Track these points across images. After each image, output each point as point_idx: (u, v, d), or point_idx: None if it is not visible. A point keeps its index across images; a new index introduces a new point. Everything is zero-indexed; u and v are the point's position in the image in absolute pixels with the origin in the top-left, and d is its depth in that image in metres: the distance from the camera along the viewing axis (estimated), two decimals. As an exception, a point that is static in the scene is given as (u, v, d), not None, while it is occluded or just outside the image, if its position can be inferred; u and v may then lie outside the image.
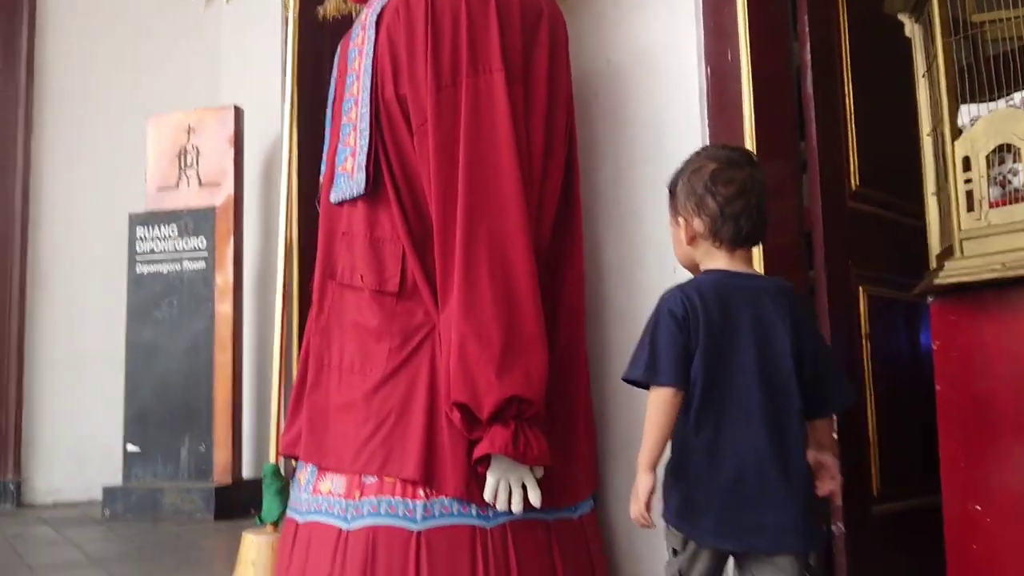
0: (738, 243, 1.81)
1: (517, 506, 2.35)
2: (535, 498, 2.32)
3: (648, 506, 1.74)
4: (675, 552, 1.77)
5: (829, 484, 1.85)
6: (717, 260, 1.82)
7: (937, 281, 2.41)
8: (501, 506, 2.35)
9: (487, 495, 2.35)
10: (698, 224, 1.82)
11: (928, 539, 2.69)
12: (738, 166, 1.82)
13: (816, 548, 1.75)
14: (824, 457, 1.86)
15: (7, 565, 3.76)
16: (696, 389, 1.72)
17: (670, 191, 1.90)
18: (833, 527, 2.64)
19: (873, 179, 2.92)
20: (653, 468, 1.73)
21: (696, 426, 1.72)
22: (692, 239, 1.84)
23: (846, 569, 2.60)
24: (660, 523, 1.80)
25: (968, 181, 2.38)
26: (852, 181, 2.86)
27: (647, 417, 1.73)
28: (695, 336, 1.71)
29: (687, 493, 1.73)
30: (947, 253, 2.43)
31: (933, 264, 2.49)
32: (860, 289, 2.82)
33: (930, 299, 2.54)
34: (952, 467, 2.45)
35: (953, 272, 2.38)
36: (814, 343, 1.81)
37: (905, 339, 3.03)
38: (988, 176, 2.35)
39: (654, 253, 2.80)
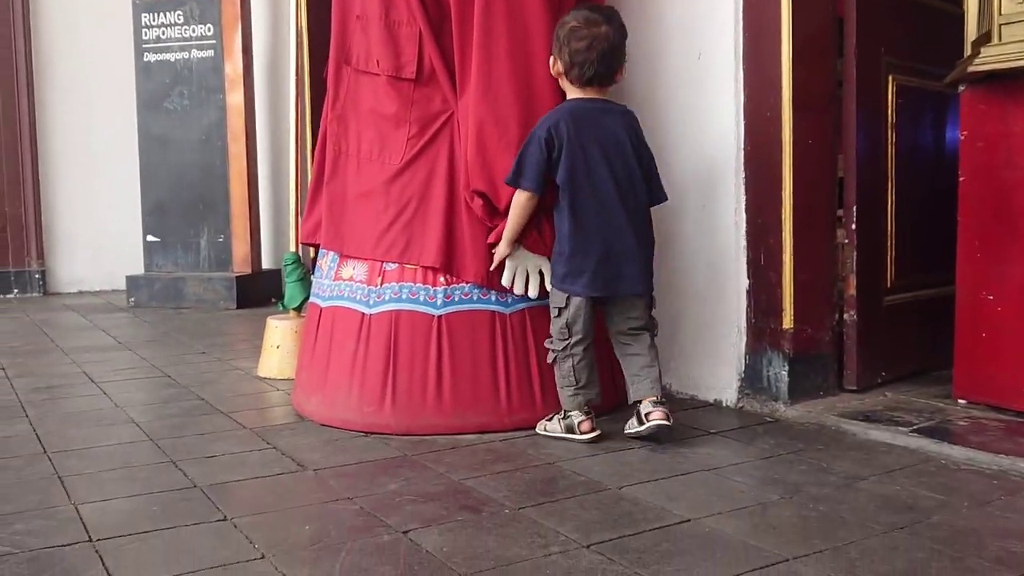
0: (584, 83, 2.32)
1: (533, 291, 2.41)
2: (551, 284, 2.36)
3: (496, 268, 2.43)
4: (559, 311, 2.32)
5: None
6: (573, 92, 2.35)
7: (971, 68, 2.35)
8: (518, 291, 2.41)
9: (504, 281, 2.41)
10: (559, 65, 2.34)
11: (937, 329, 2.76)
12: (594, 24, 2.29)
13: (651, 292, 2.37)
14: None
15: (41, 348, 3.90)
16: (567, 189, 2.27)
17: (555, 33, 2.33)
18: (845, 315, 2.69)
19: (911, -39, 2.78)
20: (511, 243, 2.38)
21: (572, 216, 2.28)
22: (558, 75, 2.35)
23: (855, 356, 2.67)
24: None
25: (1013, -39, 2.26)
26: (888, -37, 2.72)
27: (511, 211, 2.34)
28: (558, 151, 2.26)
29: (569, 265, 2.29)
30: (984, 39, 2.35)
31: (968, 51, 2.41)
32: (889, 78, 2.74)
33: (961, 88, 2.48)
34: (968, 257, 2.48)
35: (989, 58, 2.31)
36: (647, 152, 2.38)
37: (931, 132, 2.98)
38: (1035, -45, 2.24)
39: (678, 41, 2.72)
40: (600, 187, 2.28)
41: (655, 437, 2.26)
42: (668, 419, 2.24)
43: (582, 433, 2.29)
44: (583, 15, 2.31)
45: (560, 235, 2.33)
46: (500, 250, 2.39)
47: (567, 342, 2.31)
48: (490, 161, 2.36)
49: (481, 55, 2.38)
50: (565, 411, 2.33)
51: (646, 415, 2.26)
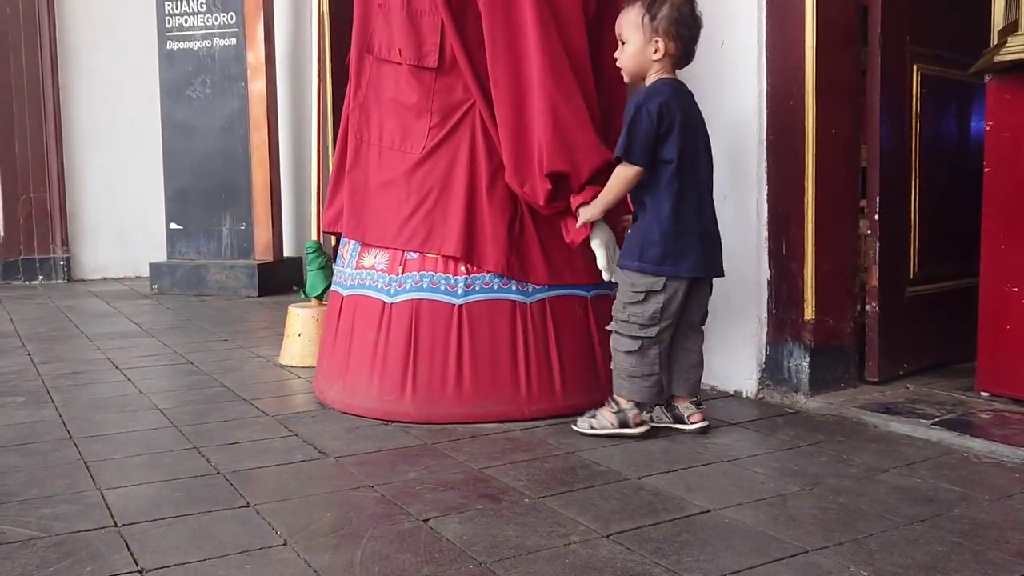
0: (682, 65, 2.30)
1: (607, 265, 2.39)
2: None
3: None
4: (646, 295, 2.21)
5: None
6: (669, 73, 2.27)
7: (998, 58, 2.33)
8: (603, 263, 2.37)
9: (603, 263, 2.37)
10: (671, 47, 2.23)
11: (960, 321, 2.74)
12: (694, 4, 2.27)
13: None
14: None
15: (66, 334, 3.94)
16: (676, 168, 2.20)
17: (650, 15, 2.22)
18: (867, 307, 2.67)
19: (938, -52, 2.75)
20: (603, 212, 2.30)
21: (677, 195, 2.21)
22: (662, 57, 2.24)
23: (877, 348, 2.65)
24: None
25: (1043, -52, 2.24)
26: (915, -50, 2.70)
27: (612, 184, 2.25)
28: (669, 128, 2.19)
29: (673, 246, 2.21)
30: (1011, 28, 2.33)
31: (995, 40, 2.39)
32: (914, 67, 2.72)
33: (987, 77, 2.45)
34: (992, 248, 2.46)
35: (1016, 47, 2.29)
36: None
37: (955, 122, 2.95)
38: (1065, -58, 2.21)
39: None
40: (699, 168, 2.25)
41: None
42: (707, 421, 2.29)
43: (636, 427, 2.24)
44: None
45: (657, 215, 2.22)
46: (592, 212, 2.29)
47: (659, 327, 2.22)
48: (570, 139, 2.32)
49: (540, 34, 2.33)
50: (619, 405, 2.25)
51: (688, 416, 2.29)
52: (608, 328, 2.29)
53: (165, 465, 2.06)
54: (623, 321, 2.24)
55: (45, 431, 2.36)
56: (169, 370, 3.17)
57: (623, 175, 2.22)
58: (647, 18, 2.22)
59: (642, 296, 2.22)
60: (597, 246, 2.37)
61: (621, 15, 2.28)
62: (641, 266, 2.22)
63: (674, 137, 2.19)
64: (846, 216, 2.63)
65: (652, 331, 2.22)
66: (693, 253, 2.22)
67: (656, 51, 2.23)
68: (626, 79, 2.33)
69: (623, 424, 2.23)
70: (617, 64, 2.30)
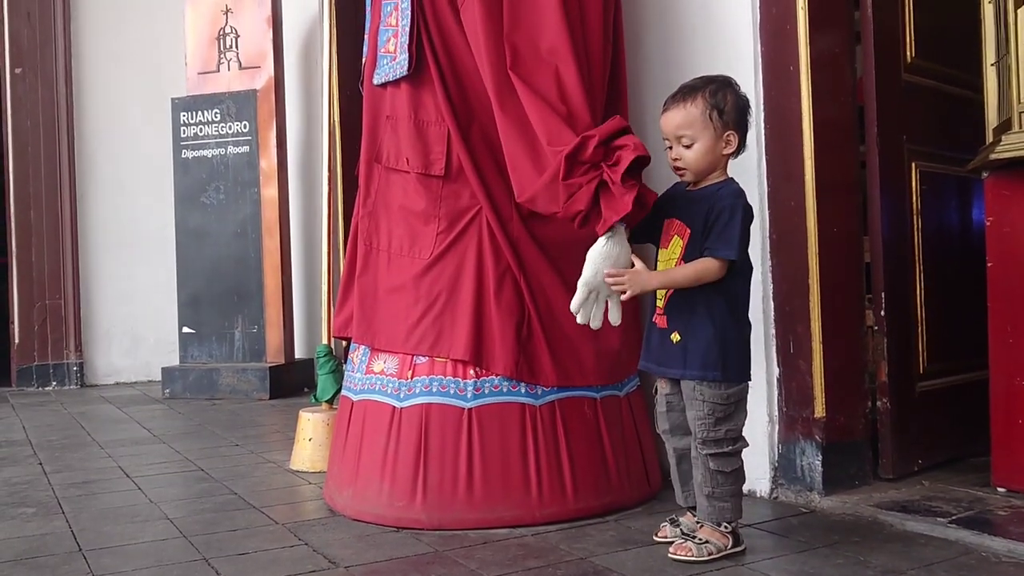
0: (737, 156, 2.17)
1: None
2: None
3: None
4: (735, 405, 2.08)
5: None
6: (717, 174, 2.14)
7: (993, 156, 2.37)
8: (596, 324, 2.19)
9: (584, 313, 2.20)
10: (737, 139, 2.11)
11: (972, 414, 2.73)
12: None
13: None
14: None
15: (78, 442, 3.94)
16: (747, 272, 2.14)
17: (718, 109, 2.09)
18: (879, 403, 2.66)
19: (929, 50, 2.82)
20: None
21: (746, 299, 2.14)
22: (732, 151, 2.12)
23: (890, 444, 2.63)
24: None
25: (1030, 51, 2.30)
26: (908, 52, 2.77)
27: (694, 271, 2.05)
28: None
29: (745, 352, 2.12)
30: (1005, 126, 2.38)
31: (990, 138, 2.44)
32: (912, 165, 2.77)
33: (984, 174, 2.50)
34: (1000, 342, 2.46)
35: (1010, 145, 2.34)
36: None
37: (956, 216, 2.99)
38: (1052, 45, 2.27)
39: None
40: None
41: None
42: None
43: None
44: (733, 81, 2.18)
45: (736, 318, 2.11)
46: (650, 283, 2.09)
47: (743, 441, 2.12)
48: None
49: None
50: (726, 525, 2.09)
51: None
52: (703, 454, 2.08)
53: (174, 578, 2.04)
54: (719, 440, 2.07)
55: (55, 544, 2.34)
56: (180, 478, 3.16)
57: (712, 267, 2.04)
58: (715, 113, 2.08)
59: (733, 408, 2.08)
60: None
61: (674, 111, 2.11)
62: (733, 375, 2.08)
63: (747, 236, 2.08)
64: (852, 312, 2.64)
65: (743, 439, 2.11)
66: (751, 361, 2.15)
67: (727, 145, 2.10)
68: (687, 178, 2.15)
69: (737, 539, 2.10)
70: (677, 164, 2.13)
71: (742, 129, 2.11)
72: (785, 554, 2.10)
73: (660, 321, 2.15)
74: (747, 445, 2.12)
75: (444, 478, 2.39)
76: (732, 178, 2.15)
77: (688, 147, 2.10)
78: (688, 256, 2.09)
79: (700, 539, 2.07)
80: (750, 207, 2.09)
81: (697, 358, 2.06)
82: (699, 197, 2.12)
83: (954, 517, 2.27)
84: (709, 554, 2.04)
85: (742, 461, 2.12)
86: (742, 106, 2.12)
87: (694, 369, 2.07)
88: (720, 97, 2.09)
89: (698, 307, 2.08)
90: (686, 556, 2.04)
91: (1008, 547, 2.05)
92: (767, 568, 2.00)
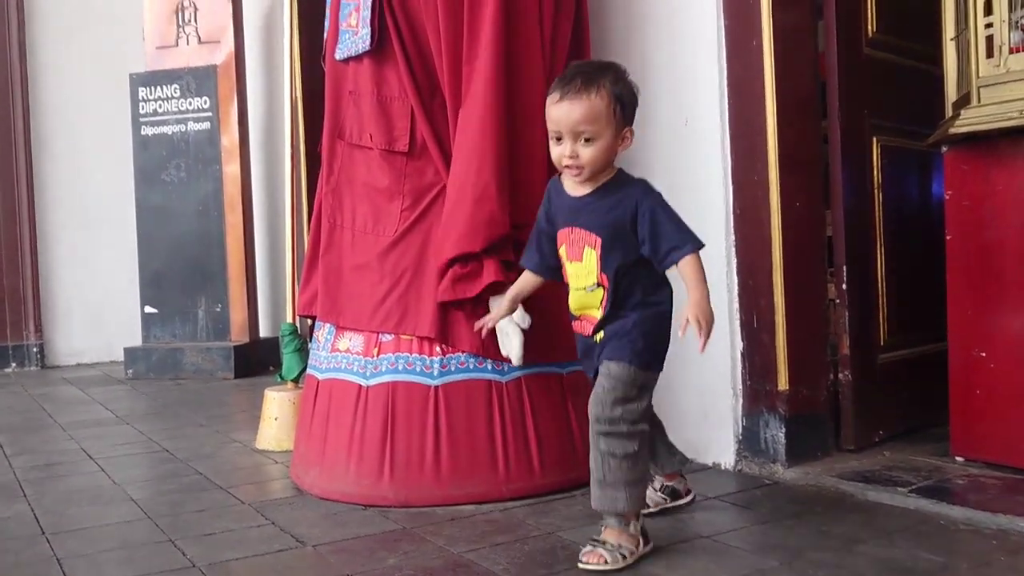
0: None
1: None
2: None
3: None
4: (639, 391, 1.93)
5: None
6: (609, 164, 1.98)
7: (952, 130, 2.40)
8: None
9: (518, 352, 2.39)
10: (630, 137, 1.96)
11: (931, 386, 2.77)
12: None
13: None
14: None
15: (40, 424, 3.89)
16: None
17: (621, 102, 1.90)
18: (840, 375, 2.70)
19: (890, 24, 2.84)
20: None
21: (663, 289, 2.02)
22: (624, 145, 1.96)
23: (851, 416, 2.67)
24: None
25: (989, 25, 2.32)
26: (869, 27, 2.79)
27: (702, 272, 1.92)
28: None
29: (661, 344, 1.99)
30: (964, 101, 2.40)
31: (949, 112, 2.47)
32: (874, 139, 2.79)
33: (944, 148, 2.52)
34: (959, 315, 2.50)
35: (969, 120, 2.36)
36: None
37: (916, 190, 3.02)
38: (1010, 20, 2.30)
39: (665, 106, 2.77)
40: None
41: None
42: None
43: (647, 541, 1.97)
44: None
45: (659, 308, 1.98)
46: (706, 305, 1.90)
47: (645, 422, 1.95)
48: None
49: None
50: (637, 514, 1.94)
51: (686, 491, 2.27)
52: (595, 432, 1.91)
53: (140, 559, 2.02)
54: (613, 419, 1.89)
55: (17, 527, 2.32)
56: (144, 459, 3.13)
57: (699, 262, 1.92)
58: (619, 107, 1.89)
59: (636, 392, 1.92)
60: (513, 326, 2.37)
61: (575, 103, 1.87)
62: (646, 362, 1.94)
63: None
64: (814, 286, 2.67)
65: (644, 426, 1.94)
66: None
67: (623, 142, 1.94)
68: (581, 178, 1.94)
69: (644, 536, 1.94)
70: (571, 163, 1.91)
71: (631, 124, 1.94)
72: (748, 525, 2.13)
73: (585, 329, 2.03)
74: (646, 433, 1.94)
75: (411, 456, 2.39)
76: (620, 168, 1.99)
77: (588, 143, 1.88)
78: (605, 264, 1.94)
79: (611, 544, 1.87)
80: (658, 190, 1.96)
81: (612, 342, 1.95)
82: (600, 202, 1.95)
83: (914, 486, 2.32)
84: (624, 558, 1.86)
85: (644, 456, 1.95)
86: (635, 100, 1.95)
87: (615, 351, 1.94)
88: (621, 87, 1.91)
89: (626, 297, 1.97)
90: (598, 565, 1.84)
91: (966, 515, 2.09)
92: (731, 539, 2.02)
